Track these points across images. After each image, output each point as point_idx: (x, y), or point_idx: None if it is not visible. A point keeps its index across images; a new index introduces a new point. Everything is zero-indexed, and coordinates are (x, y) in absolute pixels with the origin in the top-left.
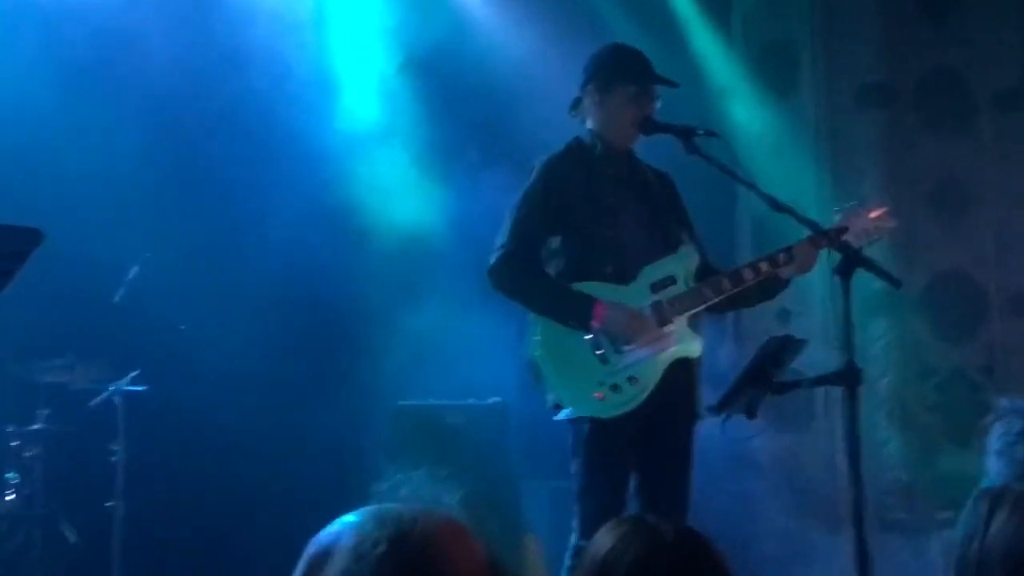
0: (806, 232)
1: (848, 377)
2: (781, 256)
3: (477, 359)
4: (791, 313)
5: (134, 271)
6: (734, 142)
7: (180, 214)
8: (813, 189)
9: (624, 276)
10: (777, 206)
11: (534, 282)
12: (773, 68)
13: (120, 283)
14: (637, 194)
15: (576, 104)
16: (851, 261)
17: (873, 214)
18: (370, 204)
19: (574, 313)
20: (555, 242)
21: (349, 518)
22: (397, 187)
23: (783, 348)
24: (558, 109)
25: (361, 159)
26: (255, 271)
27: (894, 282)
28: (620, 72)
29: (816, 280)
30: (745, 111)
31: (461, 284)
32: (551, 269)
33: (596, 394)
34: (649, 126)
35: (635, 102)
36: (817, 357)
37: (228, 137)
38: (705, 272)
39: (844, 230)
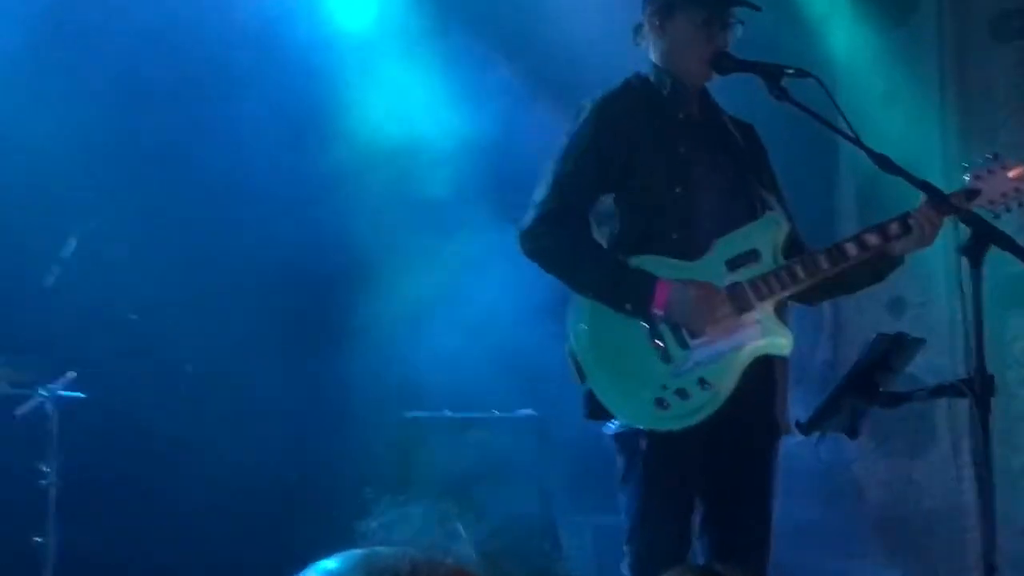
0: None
1: (978, 386)
2: (894, 226)
3: (505, 357)
4: (906, 303)
5: (70, 246)
6: (835, 84)
7: (130, 178)
8: (936, 143)
9: (694, 248)
10: (888, 166)
11: (580, 251)
12: None
13: (53, 262)
14: (713, 146)
15: (638, 30)
16: (983, 237)
17: (1013, 173)
18: (369, 152)
19: (629, 294)
20: (607, 202)
21: (328, 565)
22: (403, 126)
23: (894, 349)
24: (616, 31)
25: (356, 74)
26: (223, 248)
27: None
28: None
29: (938, 261)
30: (849, 45)
31: (483, 250)
32: (601, 238)
33: (656, 400)
34: (724, 62)
35: (704, 31)
36: (938, 361)
37: (190, 93)
38: (796, 248)
39: (975, 194)
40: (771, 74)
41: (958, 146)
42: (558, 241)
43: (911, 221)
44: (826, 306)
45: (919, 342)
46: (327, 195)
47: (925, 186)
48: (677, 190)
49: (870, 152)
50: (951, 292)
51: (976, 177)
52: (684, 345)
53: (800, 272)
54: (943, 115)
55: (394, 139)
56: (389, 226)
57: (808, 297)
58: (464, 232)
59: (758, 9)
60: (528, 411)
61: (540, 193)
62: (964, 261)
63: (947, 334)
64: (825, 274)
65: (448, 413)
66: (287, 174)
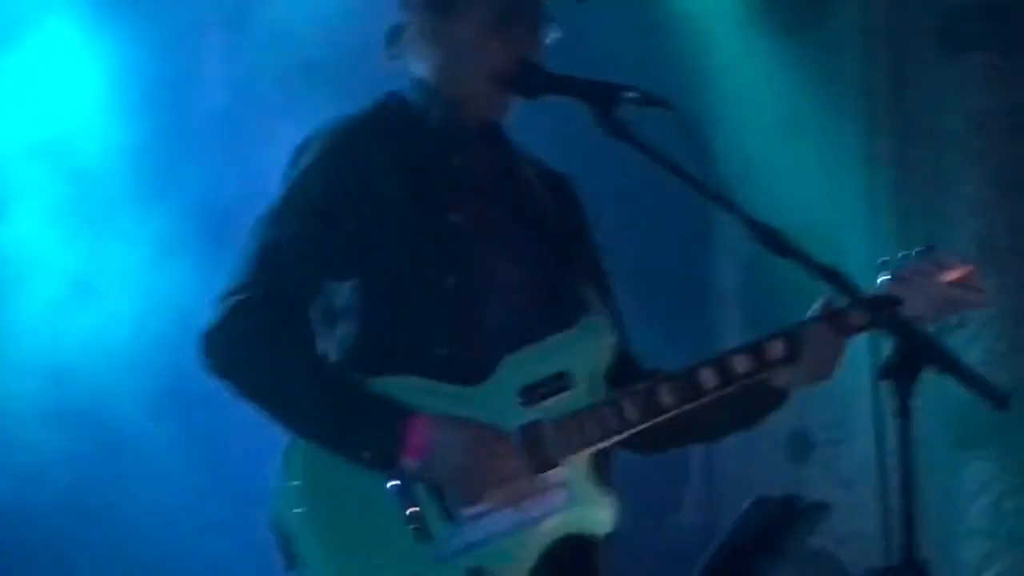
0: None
1: None
2: (777, 347)
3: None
4: (812, 441)
5: None
6: (717, 116)
7: None
8: (859, 200)
9: (471, 369)
10: (778, 245)
11: (294, 366)
12: None
13: None
14: (505, 212)
15: (395, 35)
16: (914, 354)
17: (950, 275)
18: None
19: (369, 434)
20: (340, 294)
21: None
22: None
23: (783, 521)
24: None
25: None
26: None
27: (996, 399)
28: None
29: (859, 376)
30: (735, 58)
31: None
32: (330, 348)
33: None
34: (529, 78)
35: (498, 34)
36: (861, 528)
37: None
38: (627, 370)
39: (895, 302)
40: (600, 98)
41: (890, 205)
42: (260, 348)
43: (798, 344)
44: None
45: (820, 511)
46: None
47: (831, 276)
48: (448, 280)
49: (748, 221)
50: (875, 426)
51: (897, 279)
52: (451, 517)
53: (631, 410)
54: (869, 158)
55: None
56: None
57: (645, 446)
58: None
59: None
60: None
61: (239, 274)
62: (886, 387)
63: (873, 488)
64: (669, 414)
65: None
66: None
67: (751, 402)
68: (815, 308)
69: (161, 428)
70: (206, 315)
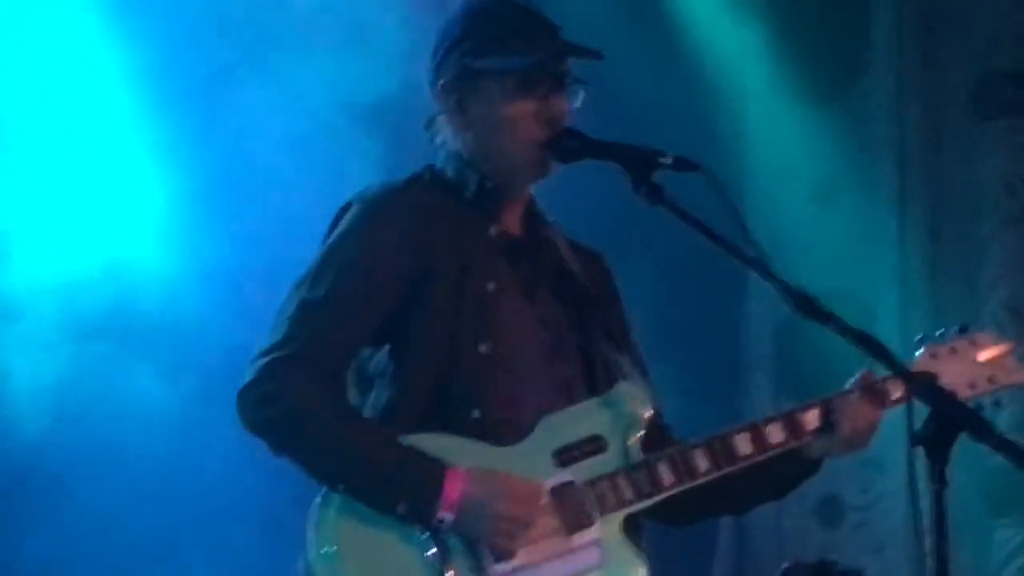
0: (867, 364)
1: None
2: (811, 417)
3: None
4: (844, 506)
5: None
6: (746, 182)
7: None
8: (892, 268)
9: (506, 429)
10: (812, 310)
11: (332, 422)
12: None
13: None
14: (539, 282)
15: (431, 121)
16: (949, 422)
17: (986, 354)
18: None
19: (405, 488)
20: (377, 359)
21: None
22: None
23: None
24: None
25: None
26: None
27: None
28: (490, 46)
29: (893, 439)
30: (767, 124)
31: None
32: (364, 411)
33: None
34: (565, 142)
35: (527, 97)
36: None
37: None
38: (659, 436)
39: (931, 378)
40: (637, 162)
41: (923, 271)
42: (296, 402)
43: (835, 416)
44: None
45: None
46: None
47: (866, 342)
48: (482, 347)
49: (784, 287)
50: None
51: (932, 356)
52: (482, 572)
53: (665, 474)
54: (901, 223)
55: None
56: None
57: (675, 516)
58: None
59: (599, 57)
60: None
61: (275, 334)
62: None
63: (904, 553)
64: (702, 480)
65: None
66: None
67: (784, 470)
68: (852, 380)
69: None
70: (249, 369)
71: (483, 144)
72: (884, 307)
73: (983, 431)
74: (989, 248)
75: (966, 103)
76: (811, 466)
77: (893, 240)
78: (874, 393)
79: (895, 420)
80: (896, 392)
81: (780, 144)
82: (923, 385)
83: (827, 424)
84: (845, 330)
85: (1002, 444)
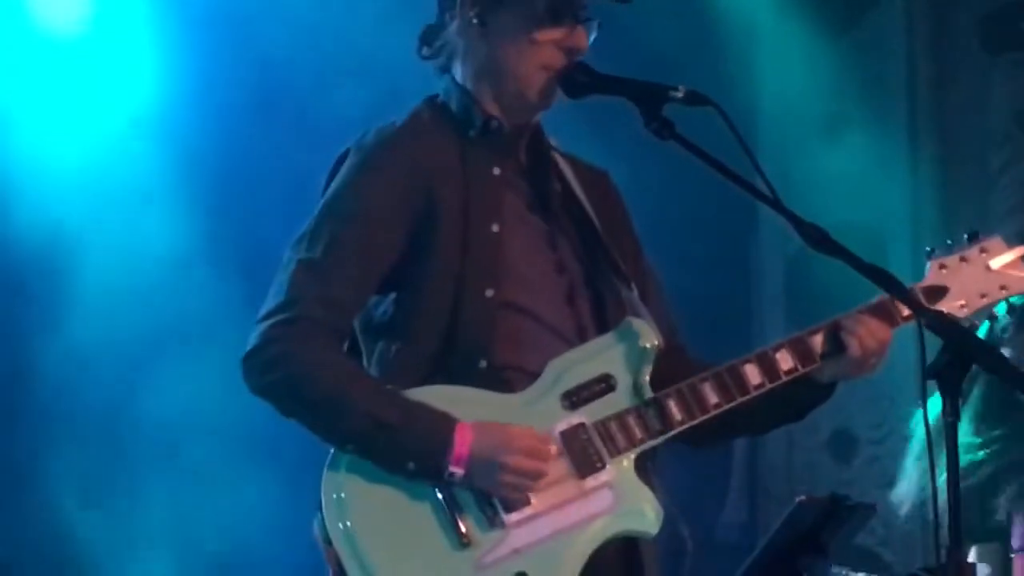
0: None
1: None
2: (819, 341)
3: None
4: (856, 440)
5: None
6: (755, 115)
7: None
8: (903, 198)
9: (517, 375)
10: (822, 242)
11: (340, 380)
12: None
13: None
14: (547, 219)
15: (431, 35)
16: (961, 352)
17: (999, 261)
18: None
19: (414, 444)
20: (383, 308)
21: None
22: None
23: (826, 520)
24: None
25: None
26: None
27: None
28: None
29: (906, 372)
30: (776, 57)
31: None
32: (369, 363)
33: None
34: (577, 77)
35: (549, 26)
36: (907, 528)
37: None
38: (674, 364)
39: (941, 292)
40: (648, 97)
41: (934, 203)
42: (302, 365)
43: (844, 335)
44: (737, 442)
45: (866, 511)
46: None
47: (877, 275)
48: (489, 291)
49: (795, 221)
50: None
51: (941, 267)
52: (495, 523)
53: (675, 410)
54: (913, 157)
55: None
56: None
57: (691, 440)
58: None
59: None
60: None
61: (276, 296)
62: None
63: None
64: (714, 413)
65: None
66: None
67: (797, 397)
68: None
69: None
70: (253, 332)
71: (496, 63)
72: (896, 240)
73: (994, 362)
74: (1000, 180)
75: (975, 36)
76: (824, 391)
77: (904, 173)
78: (883, 311)
79: (908, 353)
80: (904, 312)
81: (790, 78)
82: (935, 317)
83: (836, 345)
84: (856, 263)
85: (1012, 375)
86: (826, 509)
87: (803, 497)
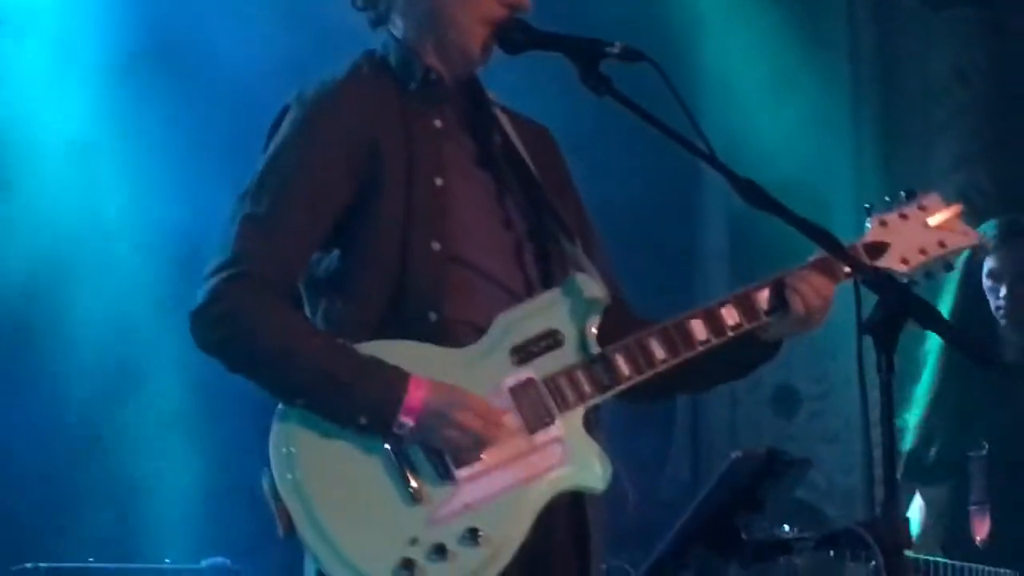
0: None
1: (886, 535)
2: (763, 297)
3: (177, 486)
4: (799, 395)
5: None
6: (697, 72)
7: None
8: (844, 155)
9: (465, 330)
10: (758, 197)
11: (288, 334)
12: None
13: None
14: (488, 172)
15: None
16: (896, 308)
17: (937, 218)
18: None
19: (365, 398)
20: (326, 264)
21: None
22: None
23: (764, 475)
24: None
25: None
26: None
27: (983, 358)
28: None
29: (846, 329)
30: (717, 11)
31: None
32: (316, 320)
33: (402, 563)
34: (514, 33)
35: None
36: (848, 482)
37: None
38: (618, 322)
39: (881, 249)
40: (585, 53)
41: (877, 160)
42: (250, 320)
43: (788, 293)
44: (680, 399)
45: (802, 465)
46: None
47: (815, 232)
48: (435, 245)
49: (730, 176)
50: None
51: (881, 223)
52: (445, 477)
53: (623, 365)
54: (855, 114)
55: None
56: None
57: (634, 397)
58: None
59: None
60: (218, 560)
61: (224, 251)
62: (869, 343)
63: (858, 443)
64: (661, 368)
65: (93, 564)
66: None
67: (742, 354)
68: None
69: None
70: (201, 289)
71: (437, 14)
72: (839, 197)
73: (929, 318)
74: (942, 137)
75: None
76: (768, 349)
77: (847, 131)
78: (826, 267)
79: (848, 309)
80: (843, 269)
81: (735, 37)
82: (870, 273)
83: (780, 302)
84: (792, 219)
85: (947, 332)
86: (762, 464)
87: (739, 452)
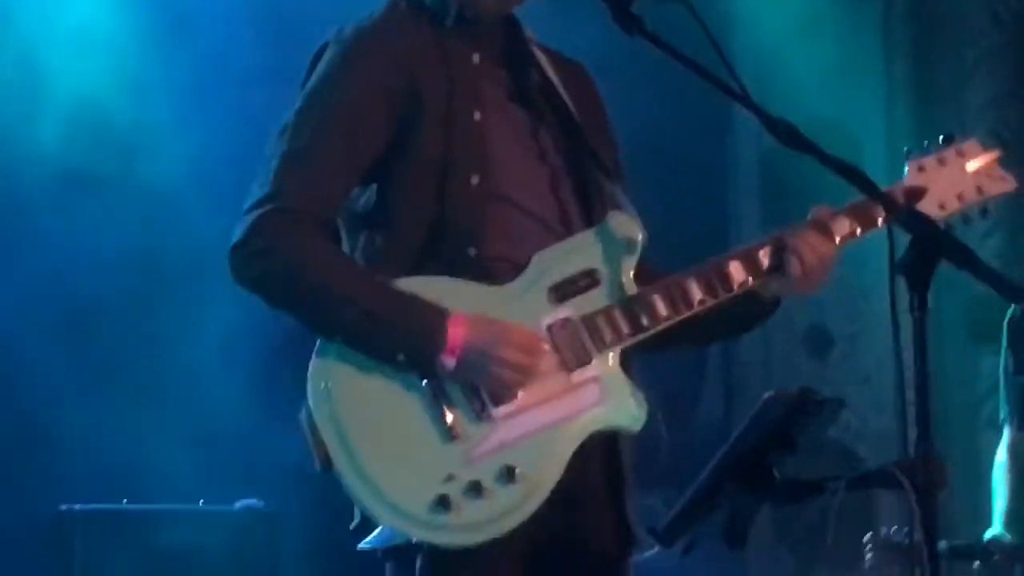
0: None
1: (920, 475)
2: (764, 254)
3: (218, 427)
4: (831, 336)
5: None
6: (727, 15)
7: None
8: (877, 98)
9: (505, 266)
10: (793, 139)
11: (327, 270)
12: None
13: None
14: (527, 109)
15: None
16: (929, 249)
17: (974, 163)
18: None
19: (404, 335)
20: (366, 199)
21: None
22: None
23: (796, 415)
24: None
25: None
26: None
27: (1012, 293)
28: None
29: (879, 270)
30: None
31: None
32: (354, 255)
33: (438, 499)
34: None
35: None
36: (880, 423)
37: None
38: (643, 267)
39: (919, 194)
40: None
41: (909, 100)
42: (290, 255)
43: (785, 254)
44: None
45: (835, 405)
46: None
47: (847, 171)
48: (474, 180)
49: (764, 117)
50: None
51: (919, 168)
52: (482, 416)
53: (661, 305)
54: (887, 53)
55: None
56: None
57: (675, 340)
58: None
59: None
60: (252, 502)
61: (262, 187)
62: (904, 285)
63: (891, 382)
64: (698, 309)
65: (128, 505)
66: None
67: (741, 308)
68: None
69: None
70: (239, 224)
71: None
72: (871, 136)
73: (963, 258)
74: (975, 77)
75: None
76: (768, 307)
77: (879, 69)
78: (822, 227)
79: (881, 250)
80: (847, 227)
81: None
82: (903, 211)
83: (777, 260)
84: (827, 159)
85: (982, 271)
86: (795, 404)
87: (771, 392)
